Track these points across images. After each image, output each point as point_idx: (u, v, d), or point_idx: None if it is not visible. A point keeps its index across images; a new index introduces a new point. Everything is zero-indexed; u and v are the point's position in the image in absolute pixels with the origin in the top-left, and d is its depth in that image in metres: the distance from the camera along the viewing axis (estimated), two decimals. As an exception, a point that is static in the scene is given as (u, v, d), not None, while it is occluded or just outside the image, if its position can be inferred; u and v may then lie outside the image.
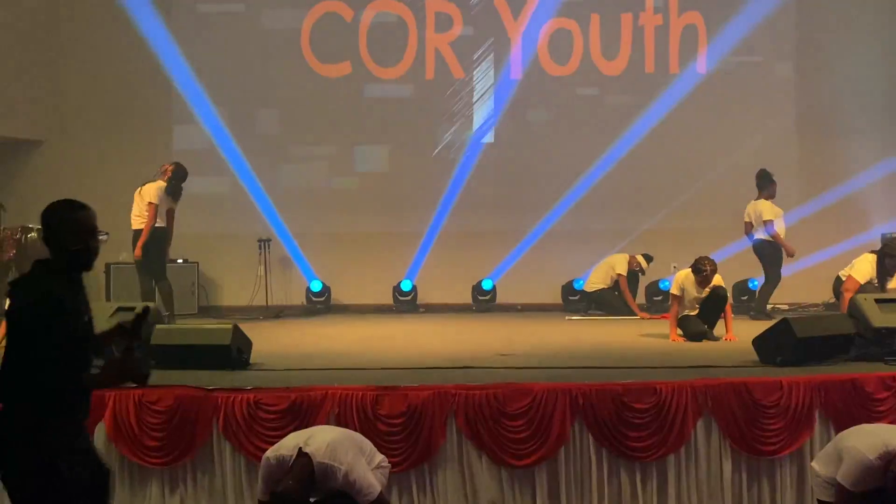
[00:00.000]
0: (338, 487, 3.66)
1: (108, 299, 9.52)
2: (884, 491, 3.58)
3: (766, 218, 8.64)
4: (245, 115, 10.77)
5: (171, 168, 8.11)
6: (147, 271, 7.92)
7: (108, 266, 10.01)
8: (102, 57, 10.68)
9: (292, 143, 10.86)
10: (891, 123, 10.56)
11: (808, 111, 10.64)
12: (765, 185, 8.86)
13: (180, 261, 10.19)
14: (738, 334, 6.67)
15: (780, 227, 8.73)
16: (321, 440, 3.71)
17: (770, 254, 8.73)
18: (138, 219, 7.90)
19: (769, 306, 8.82)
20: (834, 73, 10.60)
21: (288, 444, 3.76)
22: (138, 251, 7.79)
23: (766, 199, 8.76)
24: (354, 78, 10.72)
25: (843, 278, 6.90)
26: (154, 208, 7.80)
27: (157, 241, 7.88)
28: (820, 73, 10.64)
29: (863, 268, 6.68)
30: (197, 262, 10.25)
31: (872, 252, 6.80)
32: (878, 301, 5.58)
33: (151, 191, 7.89)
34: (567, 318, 9.13)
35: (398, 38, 10.73)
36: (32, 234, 9.84)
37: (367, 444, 3.98)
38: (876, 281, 6.67)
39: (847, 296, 6.38)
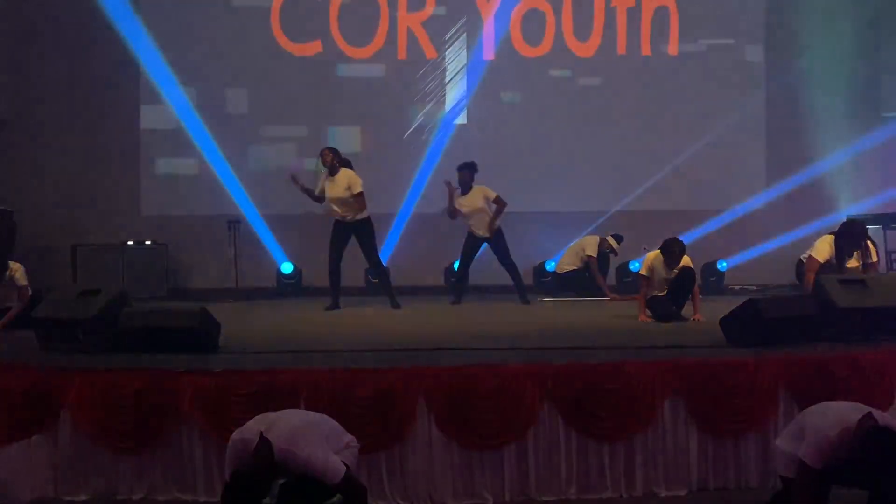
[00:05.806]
0: (300, 471, 3.70)
1: (74, 281, 9.40)
2: (843, 467, 3.64)
3: (479, 205, 8.68)
4: (213, 94, 10.62)
5: (329, 156, 8.05)
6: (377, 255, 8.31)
7: (74, 248, 9.87)
8: (68, 36, 10.47)
9: (262, 123, 10.73)
10: (858, 107, 10.69)
11: (778, 94, 10.73)
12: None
13: (149, 242, 10.08)
14: (706, 315, 6.74)
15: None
16: (283, 426, 3.78)
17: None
18: (355, 210, 8.07)
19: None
20: (803, 57, 10.69)
21: (252, 428, 3.81)
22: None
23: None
24: (325, 57, 10.61)
25: (804, 260, 6.98)
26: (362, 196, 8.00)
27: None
28: (789, 57, 10.73)
29: (822, 248, 6.76)
30: (166, 244, 10.13)
31: (831, 233, 6.89)
32: (841, 282, 5.64)
33: (355, 181, 8.00)
34: (539, 300, 9.16)
35: (370, 17, 10.62)
36: (-5, 214, 9.66)
37: (333, 427, 3.99)
38: (835, 261, 6.76)
39: (810, 276, 6.45)
